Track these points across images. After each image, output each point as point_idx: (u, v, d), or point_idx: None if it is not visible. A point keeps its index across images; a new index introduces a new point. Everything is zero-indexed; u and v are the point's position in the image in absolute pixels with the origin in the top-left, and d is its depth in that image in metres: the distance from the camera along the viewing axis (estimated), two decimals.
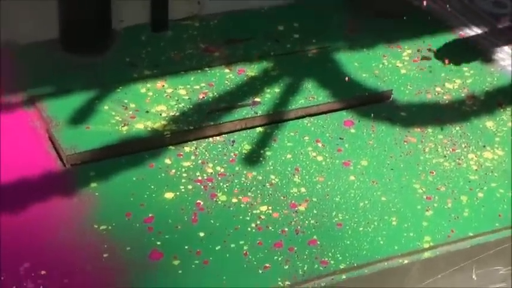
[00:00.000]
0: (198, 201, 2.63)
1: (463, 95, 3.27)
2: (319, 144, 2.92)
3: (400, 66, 3.40)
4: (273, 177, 2.76)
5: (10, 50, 3.24)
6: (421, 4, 3.86)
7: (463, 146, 2.99)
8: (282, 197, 2.68)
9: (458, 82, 3.34)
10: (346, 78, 3.21)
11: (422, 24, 3.73)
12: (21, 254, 2.38)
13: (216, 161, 2.80)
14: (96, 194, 2.63)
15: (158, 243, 2.47)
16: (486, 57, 3.53)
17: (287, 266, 2.44)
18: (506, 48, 3.59)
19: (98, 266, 2.38)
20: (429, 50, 3.51)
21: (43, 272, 2.33)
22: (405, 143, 2.97)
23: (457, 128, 3.07)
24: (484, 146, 2.99)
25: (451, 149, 2.96)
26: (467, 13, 3.84)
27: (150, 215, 2.56)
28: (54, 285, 2.30)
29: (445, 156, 2.92)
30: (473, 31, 3.71)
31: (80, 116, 2.90)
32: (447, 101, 3.23)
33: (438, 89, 3.29)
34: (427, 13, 3.82)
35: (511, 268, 2.69)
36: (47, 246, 2.42)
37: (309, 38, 3.50)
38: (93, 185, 2.66)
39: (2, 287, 2.27)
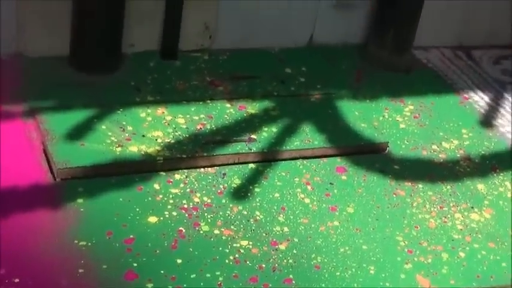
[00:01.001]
0: (181, 228, 2.65)
1: (458, 155, 3.29)
2: (309, 187, 2.94)
3: (400, 121, 3.43)
4: (258, 213, 2.78)
5: (19, 61, 3.29)
6: (429, 63, 3.90)
7: (451, 205, 3.00)
8: (264, 234, 2.70)
9: (455, 143, 3.36)
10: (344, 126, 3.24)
11: (428, 83, 3.77)
12: None
13: (204, 191, 2.83)
14: (81, 209, 2.66)
15: (135, 264, 2.49)
16: (486, 121, 3.55)
17: None
18: (506, 114, 3.62)
19: (71, 281, 2.40)
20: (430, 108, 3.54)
21: (16, 280, 2.36)
22: (394, 196, 2.99)
23: (448, 187, 3.09)
24: (472, 207, 3.01)
25: (438, 207, 2.98)
26: (473, 77, 3.88)
27: (131, 236, 2.58)
28: None
29: (431, 213, 2.94)
30: (478, 95, 3.74)
31: (77, 133, 2.94)
32: (442, 160, 3.25)
33: (435, 147, 3.31)
34: (434, 72, 3.86)
35: None
36: (24, 255, 2.44)
37: (314, 82, 3.54)
38: (80, 200, 2.69)
39: None
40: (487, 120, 3.56)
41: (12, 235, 2.50)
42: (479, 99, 3.72)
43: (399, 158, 3.21)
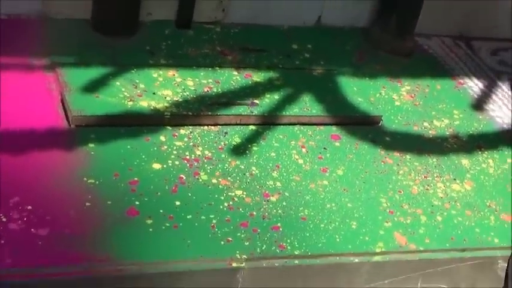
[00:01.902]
0: (181, 175, 2.89)
1: (447, 133, 3.51)
2: (303, 150, 3.18)
3: (395, 99, 3.65)
4: (254, 168, 3.01)
5: (45, 21, 3.54)
6: (429, 49, 4.12)
7: (435, 175, 3.22)
8: (257, 186, 2.93)
9: (446, 121, 3.58)
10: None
11: (427, 67, 3.99)
12: (13, 189, 2.64)
13: (206, 146, 3.07)
14: (92, 153, 2.90)
15: (137, 203, 2.73)
16: (478, 105, 3.76)
17: (247, 243, 2.68)
18: (498, 101, 3.83)
19: (79, 212, 2.64)
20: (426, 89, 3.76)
21: (29, 207, 2.60)
22: (382, 163, 3.21)
23: (434, 160, 3.31)
24: (455, 179, 3.23)
25: (423, 176, 3.20)
26: (470, 65, 4.09)
27: (135, 179, 2.82)
28: (37, 219, 2.56)
29: (415, 181, 3.16)
30: (472, 81, 3.96)
31: (93, 86, 3.18)
32: (431, 136, 3.47)
33: (426, 124, 3.53)
34: (433, 58, 4.08)
35: None
36: (37, 187, 2.68)
37: (318, 59, 3.77)
38: (91, 145, 2.93)
39: None
40: (479, 104, 3.78)
41: (28, 170, 2.75)
42: (474, 85, 3.93)
43: (391, 131, 3.43)
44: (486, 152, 3.44)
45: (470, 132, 3.56)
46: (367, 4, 4.09)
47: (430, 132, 3.49)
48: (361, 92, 3.60)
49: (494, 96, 3.88)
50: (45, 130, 2.97)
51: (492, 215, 3.09)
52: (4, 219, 2.52)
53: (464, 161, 3.36)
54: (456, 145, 3.45)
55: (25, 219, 2.56)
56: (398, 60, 3.96)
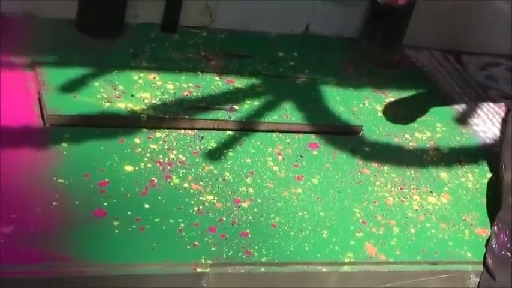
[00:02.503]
0: (153, 178, 2.87)
1: (428, 145, 3.49)
2: (280, 157, 3.16)
3: (378, 110, 3.63)
4: (227, 174, 3.00)
5: (29, 19, 3.53)
6: (418, 62, 4.10)
7: (412, 187, 3.20)
8: (229, 192, 2.91)
9: (427, 134, 3.56)
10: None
11: (413, 79, 3.97)
12: None
13: (180, 150, 3.05)
14: (64, 152, 2.89)
15: (105, 204, 2.71)
16: (462, 119, 3.74)
17: (214, 248, 2.66)
18: (483, 115, 3.81)
19: (45, 211, 2.63)
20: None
21: None
22: (359, 173, 3.19)
23: (412, 172, 3.29)
24: (432, 192, 3.20)
25: (399, 187, 3.18)
26: (457, 79, 4.07)
27: (105, 180, 2.81)
28: (1, 217, 2.54)
29: (391, 192, 3.14)
30: (458, 95, 3.94)
31: (71, 86, 3.17)
32: (411, 148, 3.45)
33: (407, 135, 3.51)
34: (421, 71, 4.06)
35: None
36: (5, 185, 2.67)
37: (303, 67, 3.76)
38: (64, 145, 2.92)
39: None
40: (463, 118, 3.75)
41: None
42: (459, 99, 3.91)
43: (371, 142, 3.41)
44: (466, 166, 3.42)
45: (452, 145, 3.54)
46: (357, 14, 4.08)
47: (410, 144, 3.47)
48: (344, 101, 3.58)
49: (479, 111, 3.85)
50: (19, 128, 2.96)
51: (467, 228, 3.06)
52: None
53: (443, 174, 3.33)
54: (436, 158, 3.42)
55: None
56: (385, 72, 3.94)
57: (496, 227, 2.48)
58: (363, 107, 3.61)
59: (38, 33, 3.48)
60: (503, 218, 2.45)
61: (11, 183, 2.68)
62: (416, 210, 3.08)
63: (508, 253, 2.37)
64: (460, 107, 3.83)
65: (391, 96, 3.75)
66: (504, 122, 3.61)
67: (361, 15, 4.08)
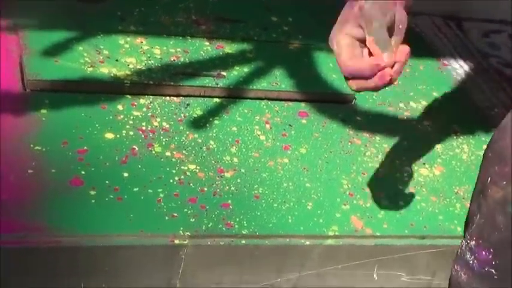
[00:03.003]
0: (134, 146, 2.79)
1: (423, 115, 3.38)
2: (267, 126, 3.06)
3: None
4: (212, 142, 2.91)
5: None
6: (416, 27, 3.98)
7: (403, 158, 3.10)
8: (213, 161, 2.83)
9: (423, 103, 3.46)
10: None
11: (411, 46, 3.83)
12: None
13: (164, 118, 2.96)
14: (43, 119, 2.80)
15: (83, 172, 2.63)
16: (460, 88, 3.63)
17: (193, 220, 2.58)
18: (482, 85, 3.69)
19: (19, 179, 2.55)
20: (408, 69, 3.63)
21: None
22: (349, 143, 3.10)
23: (405, 142, 3.19)
24: (424, 164, 3.11)
25: (390, 159, 3.08)
26: (458, 45, 3.96)
27: (84, 148, 2.72)
28: None
29: (381, 163, 3.04)
30: (458, 63, 3.82)
31: (53, 50, 3.08)
32: (405, 117, 3.35)
33: (401, 104, 3.41)
34: (420, 37, 3.94)
35: (412, 277, 2.80)
36: None
37: (296, 33, 3.64)
38: (43, 111, 2.84)
39: None
40: (460, 87, 3.64)
41: None
42: (458, 67, 3.80)
43: (363, 111, 3.31)
44: (462, 137, 3.31)
45: (448, 115, 3.42)
46: None
47: (404, 113, 3.37)
48: (337, 68, 3.44)
49: (478, 80, 3.74)
50: None
51: (458, 202, 2.97)
52: None
53: (437, 145, 3.23)
54: (430, 128, 3.32)
55: None
56: None
57: (473, 242, 2.18)
58: None
59: None
60: (486, 236, 2.16)
61: None
62: (407, 182, 2.98)
63: (493, 270, 2.16)
64: (458, 76, 3.72)
65: None
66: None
67: None
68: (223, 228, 2.59)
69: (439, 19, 4.13)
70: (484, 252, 2.16)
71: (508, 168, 1.94)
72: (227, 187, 2.74)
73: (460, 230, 2.86)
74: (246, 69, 3.28)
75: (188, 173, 2.75)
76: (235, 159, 2.87)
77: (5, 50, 3.08)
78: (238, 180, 2.78)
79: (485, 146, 2.06)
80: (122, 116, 2.91)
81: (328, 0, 3.86)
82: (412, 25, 3.88)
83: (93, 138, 2.78)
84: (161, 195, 2.64)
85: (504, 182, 1.96)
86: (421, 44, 3.89)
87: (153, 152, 2.80)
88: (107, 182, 2.63)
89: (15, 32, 3.16)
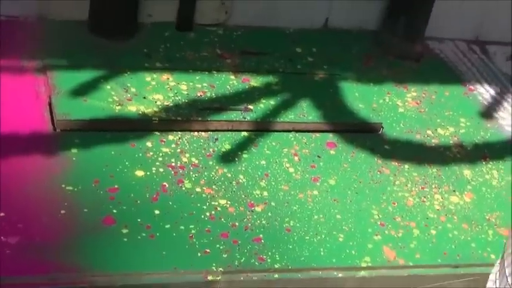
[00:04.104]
0: (165, 183, 2.81)
1: (451, 142, 3.38)
2: (296, 158, 3.07)
3: (399, 105, 3.52)
4: (241, 177, 2.92)
5: (41, 22, 3.48)
6: (441, 53, 3.99)
7: (433, 186, 3.09)
8: (243, 196, 2.84)
9: (451, 130, 3.45)
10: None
11: (436, 72, 3.85)
12: None
13: (193, 153, 2.98)
14: (74, 158, 2.83)
15: (114, 211, 2.65)
16: (487, 113, 3.62)
17: (226, 255, 2.59)
18: (509, 108, 3.68)
19: (53, 220, 2.57)
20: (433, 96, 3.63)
21: (1, 214, 2.53)
22: (378, 173, 3.10)
23: (434, 170, 3.18)
24: (454, 191, 3.10)
25: (420, 187, 3.07)
26: (483, 70, 3.95)
27: (115, 186, 2.74)
28: (8, 227, 2.49)
29: (411, 192, 3.04)
30: (484, 87, 3.82)
31: (82, 89, 3.12)
32: (433, 145, 3.34)
33: (429, 132, 3.41)
34: (444, 63, 3.94)
35: None
36: (13, 193, 2.62)
37: (321, 63, 3.66)
38: (74, 150, 2.86)
39: None
40: (488, 112, 3.64)
41: (6, 174, 2.68)
42: (484, 92, 3.79)
43: (391, 139, 3.31)
44: (491, 163, 3.30)
45: (476, 141, 3.42)
46: (377, 6, 3.97)
47: (432, 140, 3.36)
48: (364, 97, 3.48)
49: (505, 103, 3.73)
50: (29, 134, 2.91)
51: (491, 229, 2.96)
52: None
53: (467, 171, 3.22)
54: (459, 154, 3.31)
55: None
56: (407, 65, 3.83)
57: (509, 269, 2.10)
58: (384, 102, 3.51)
59: (49, 36, 3.42)
60: None
61: (18, 192, 2.63)
62: (438, 210, 2.98)
63: None
64: (485, 100, 3.71)
65: (413, 90, 3.65)
66: None
67: (381, 6, 3.97)
68: (256, 263, 2.59)
69: (463, 43, 4.13)
70: None
71: None
72: (258, 221, 2.75)
73: (493, 257, 2.84)
74: (272, 102, 3.30)
75: (219, 208, 2.76)
76: (265, 193, 2.87)
77: (35, 91, 3.12)
78: (269, 214, 2.79)
79: None
80: (151, 153, 2.93)
81: (352, 30, 3.91)
82: (436, 51, 3.90)
83: (123, 176, 2.80)
84: (193, 231, 2.65)
85: None
86: (446, 70, 3.89)
87: (184, 188, 2.81)
88: (138, 220, 2.64)
89: (44, 73, 3.20)
